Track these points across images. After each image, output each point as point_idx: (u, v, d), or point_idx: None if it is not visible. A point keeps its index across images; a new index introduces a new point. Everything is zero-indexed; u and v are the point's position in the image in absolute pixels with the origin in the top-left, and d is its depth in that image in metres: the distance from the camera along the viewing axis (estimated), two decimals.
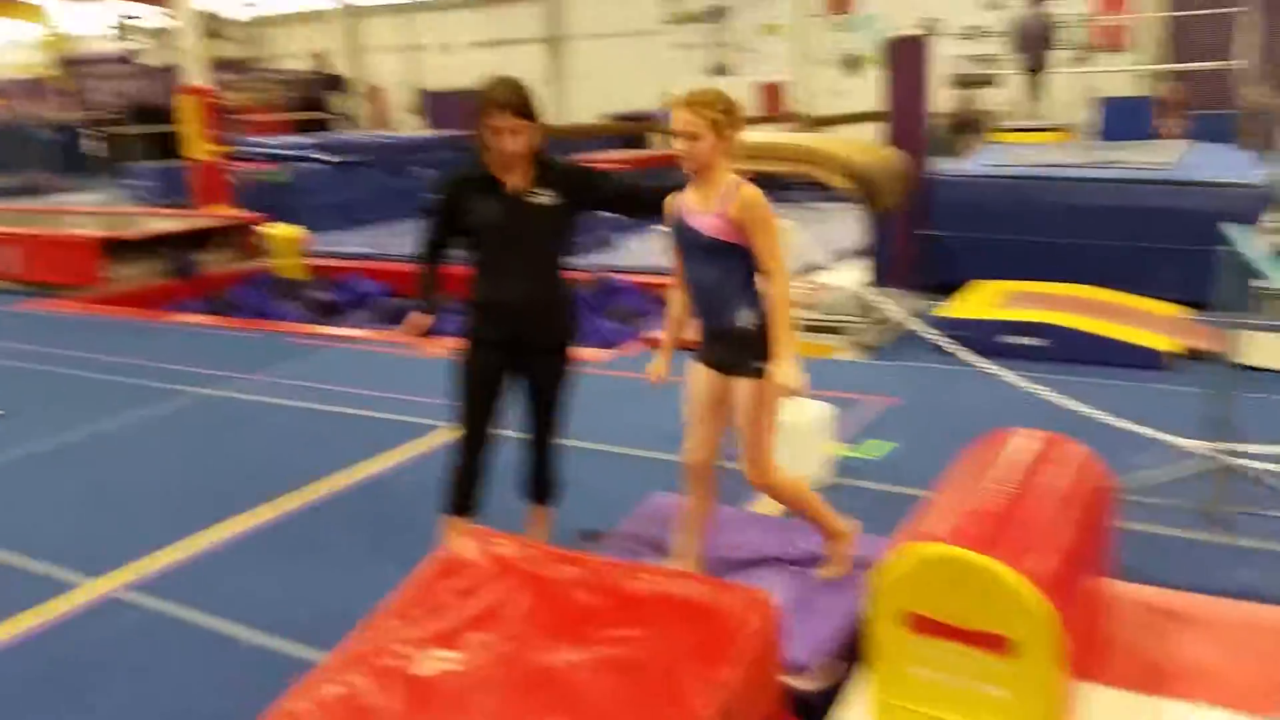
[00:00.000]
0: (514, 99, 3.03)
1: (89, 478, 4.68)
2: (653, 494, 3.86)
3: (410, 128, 24.43)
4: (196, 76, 11.46)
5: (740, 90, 19.49)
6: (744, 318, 2.90)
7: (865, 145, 7.04)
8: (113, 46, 25.63)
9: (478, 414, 3.25)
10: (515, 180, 3.12)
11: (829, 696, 2.64)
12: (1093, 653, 2.71)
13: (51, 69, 27.13)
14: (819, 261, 4.70)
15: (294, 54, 28.60)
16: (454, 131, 16.32)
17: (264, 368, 6.39)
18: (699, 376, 3.05)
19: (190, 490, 4.43)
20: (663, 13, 23.53)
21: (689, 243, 2.94)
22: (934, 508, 2.62)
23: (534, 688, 2.37)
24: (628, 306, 8.14)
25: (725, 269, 2.90)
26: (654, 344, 6.57)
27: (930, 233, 7.73)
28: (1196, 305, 6.46)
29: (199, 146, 11.09)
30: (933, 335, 4.05)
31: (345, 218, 12.19)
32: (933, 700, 2.40)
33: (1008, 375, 4.15)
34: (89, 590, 3.51)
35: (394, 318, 8.30)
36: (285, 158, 12.85)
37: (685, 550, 3.14)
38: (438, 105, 22.36)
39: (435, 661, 2.45)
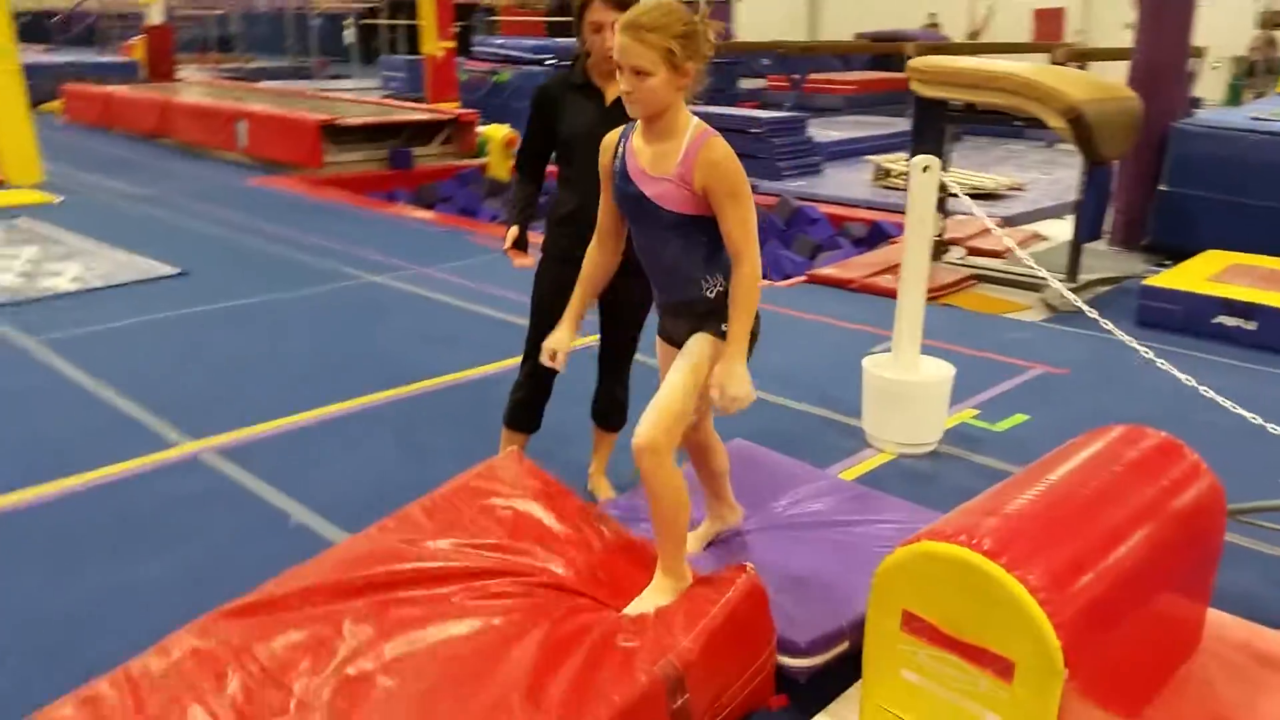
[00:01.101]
0: None
1: (229, 344, 4.93)
2: (737, 441, 3.61)
3: None
4: None
5: (1016, 15, 18.07)
6: (709, 289, 2.33)
7: (1098, 83, 6.25)
8: None
9: (549, 331, 3.12)
10: (615, 89, 2.89)
11: (829, 683, 2.38)
12: (1150, 692, 2.29)
13: None
14: (977, 214, 4.19)
15: None
16: None
17: (437, 262, 6.53)
18: (666, 355, 2.54)
19: (313, 368, 4.58)
20: None
21: (635, 208, 2.33)
22: (975, 502, 2.26)
23: (479, 640, 2.23)
24: (815, 239, 7.73)
25: (685, 244, 2.29)
26: (817, 280, 6.21)
27: (1167, 189, 6.83)
28: None
29: (433, 42, 11.42)
30: (1070, 299, 3.53)
31: None
32: (920, 712, 2.10)
33: (1156, 360, 3.56)
34: (181, 449, 3.69)
35: None
36: (514, 59, 13.04)
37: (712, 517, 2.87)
38: None
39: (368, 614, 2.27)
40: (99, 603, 2.75)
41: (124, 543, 3.06)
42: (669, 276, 2.37)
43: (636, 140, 2.31)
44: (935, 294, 6.02)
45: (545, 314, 3.09)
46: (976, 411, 4.17)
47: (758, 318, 2.31)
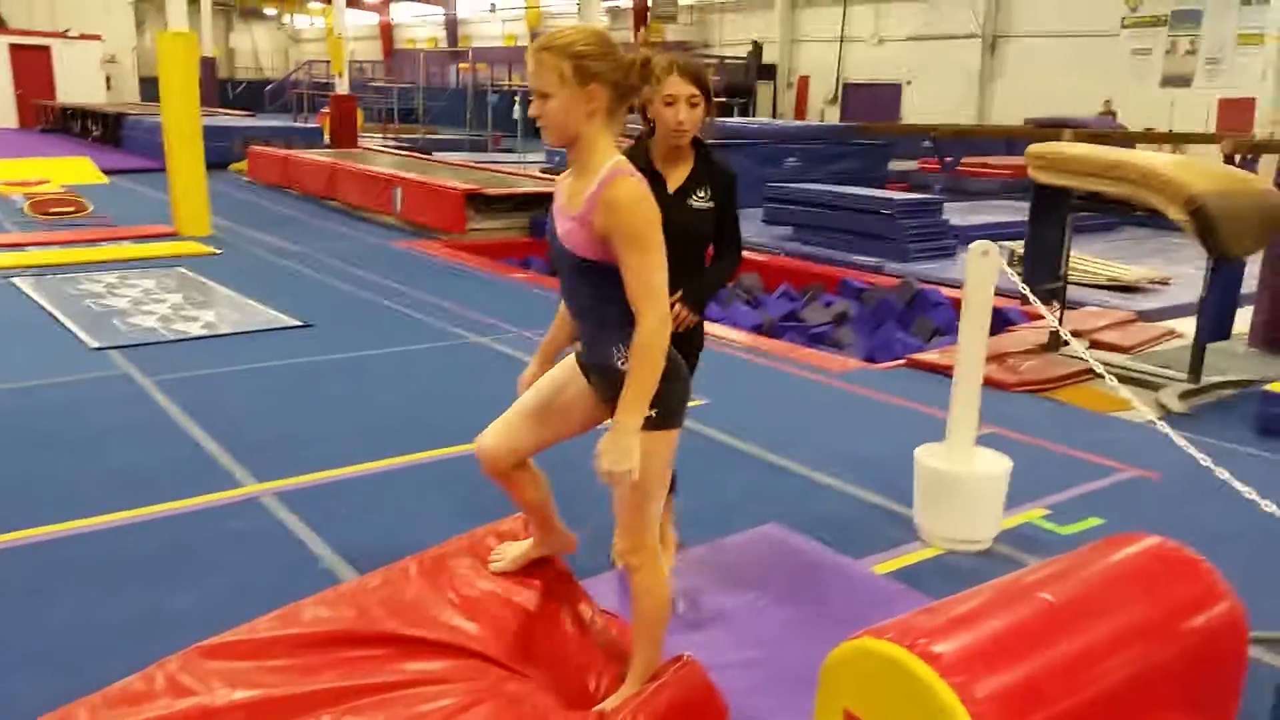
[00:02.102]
0: (694, 66, 2.81)
1: (323, 393, 5.19)
2: (769, 526, 3.55)
3: (824, 118, 24.44)
4: None
5: (1200, 105, 17.37)
6: (619, 358, 2.16)
7: (1229, 174, 5.91)
8: (575, 21, 28.33)
9: None
10: (678, 176, 2.86)
11: None
12: None
13: (524, 40, 30.60)
14: (1038, 306, 4.01)
15: (736, 41, 29.64)
16: (850, 123, 16.08)
17: (540, 326, 6.69)
18: (565, 375, 2.41)
19: (391, 421, 4.75)
20: (1120, 14, 21.37)
21: (552, 248, 2.20)
22: (943, 602, 2.15)
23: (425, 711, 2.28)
24: (935, 322, 7.52)
25: (594, 297, 2.14)
26: (916, 365, 6.04)
27: None
28: None
29: None
30: (1132, 403, 3.29)
31: None
32: None
33: (1214, 468, 3.28)
34: (244, 490, 3.89)
35: None
36: None
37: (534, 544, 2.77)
38: (853, 97, 22.20)
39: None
40: (122, 628, 2.91)
41: (161, 574, 3.24)
42: (585, 326, 2.25)
43: (566, 176, 2.19)
44: (1042, 387, 5.76)
45: None
46: (1047, 511, 3.94)
47: (684, 380, 2.20)
